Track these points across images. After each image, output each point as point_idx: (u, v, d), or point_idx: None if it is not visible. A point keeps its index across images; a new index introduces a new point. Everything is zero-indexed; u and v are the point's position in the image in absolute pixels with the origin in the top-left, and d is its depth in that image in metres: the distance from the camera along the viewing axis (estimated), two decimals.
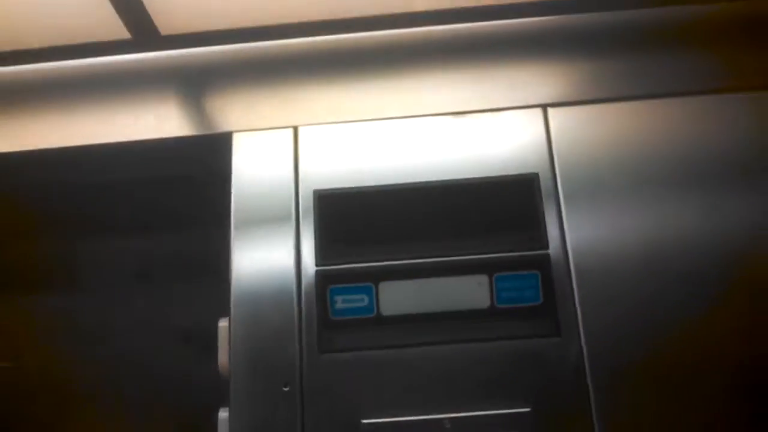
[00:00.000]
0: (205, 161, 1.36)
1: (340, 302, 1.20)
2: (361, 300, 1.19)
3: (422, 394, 1.14)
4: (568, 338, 1.15)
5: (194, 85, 1.39)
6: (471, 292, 1.19)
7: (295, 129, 1.32)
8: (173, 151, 1.38)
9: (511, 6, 1.32)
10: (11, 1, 1.19)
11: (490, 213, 1.24)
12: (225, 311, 1.22)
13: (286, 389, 1.15)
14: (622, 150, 1.26)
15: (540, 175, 1.25)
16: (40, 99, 1.38)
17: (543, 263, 1.19)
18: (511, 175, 1.25)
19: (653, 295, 1.17)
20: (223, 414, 1.17)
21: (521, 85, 1.32)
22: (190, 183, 1.45)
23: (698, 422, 1.11)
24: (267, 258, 1.23)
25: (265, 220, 1.25)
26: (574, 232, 1.21)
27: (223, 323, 1.22)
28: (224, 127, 1.33)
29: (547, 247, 1.20)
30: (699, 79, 1.30)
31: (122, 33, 1.31)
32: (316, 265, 1.21)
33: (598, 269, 1.19)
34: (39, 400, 1.64)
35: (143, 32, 1.32)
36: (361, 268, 1.21)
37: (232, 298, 1.21)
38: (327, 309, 1.19)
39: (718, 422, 1.11)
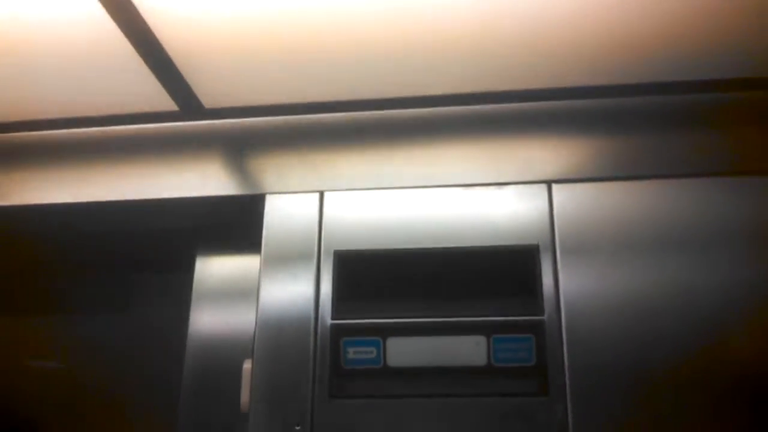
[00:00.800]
0: (240, 218, 1.52)
1: (352, 353, 1.33)
2: (371, 352, 1.32)
3: None
4: (555, 398, 1.26)
5: (234, 151, 1.56)
6: (470, 350, 1.31)
7: (321, 193, 1.46)
8: (213, 207, 1.55)
9: (520, 92, 1.46)
10: (79, 76, 1.39)
11: (492, 279, 1.36)
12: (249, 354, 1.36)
13: (297, 428, 1.28)
14: (620, 226, 1.36)
15: (540, 246, 1.36)
16: (98, 159, 1.57)
17: (538, 328, 1.31)
18: (514, 245, 1.37)
19: (640, 364, 1.27)
20: None
21: (529, 162, 1.44)
22: None
23: None
24: (289, 309, 1.37)
25: (289, 274, 1.39)
26: (568, 301, 1.32)
27: (246, 365, 1.36)
28: (259, 189, 1.49)
29: (542, 313, 1.31)
30: (694, 163, 1.40)
31: (171, 106, 1.50)
32: (332, 319, 1.35)
33: (589, 337, 1.29)
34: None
35: (189, 106, 1.50)
36: (372, 323, 1.34)
37: (256, 343, 1.35)
38: (339, 358, 1.32)
39: None
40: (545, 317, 1.31)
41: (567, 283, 1.33)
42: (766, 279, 1.29)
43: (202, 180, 1.52)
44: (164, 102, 1.47)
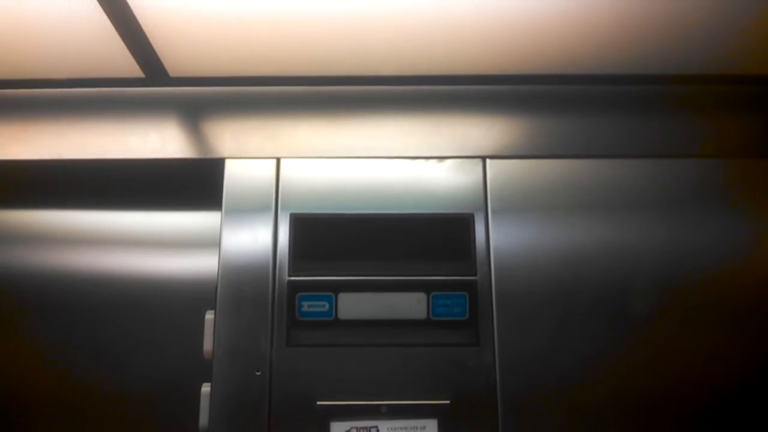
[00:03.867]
0: (200, 180, 1.62)
1: (306, 307, 1.47)
2: (323, 306, 1.48)
3: (366, 384, 1.43)
4: (485, 347, 1.45)
5: (195, 117, 1.64)
6: (412, 305, 1.48)
7: (278, 160, 1.58)
8: (174, 170, 1.65)
9: (461, 76, 1.61)
10: (53, 42, 1.45)
11: (432, 243, 1.52)
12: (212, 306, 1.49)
13: (258, 373, 1.43)
14: (546, 199, 1.55)
15: (475, 215, 1.53)
16: (65, 119, 1.63)
17: (471, 287, 1.49)
18: (452, 213, 1.54)
19: (559, 318, 1.48)
20: (206, 389, 1.44)
21: (466, 139, 1.60)
22: None
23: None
24: (249, 267, 1.49)
25: (248, 234, 1.51)
26: (498, 263, 1.50)
27: (209, 316, 1.49)
28: (218, 154, 1.59)
29: (475, 273, 1.50)
30: (611, 146, 1.60)
31: (138, 72, 1.57)
32: (288, 276, 1.49)
33: (515, 294, 1.49)
34: None
35: (155, 73, 1.58)
36: (325, 280, 1.49)
37: (218, 297, 1.48)
38: (295, 311, 1.47)
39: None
40: (478, 277, 1.50)
41: (497, 248, 1.52)
42: (666, 243, 1.52)
43: (163, 143, 1.60)
44: (133, 69, 1.54)
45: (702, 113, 1.63)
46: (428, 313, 1.48)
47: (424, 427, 1.40)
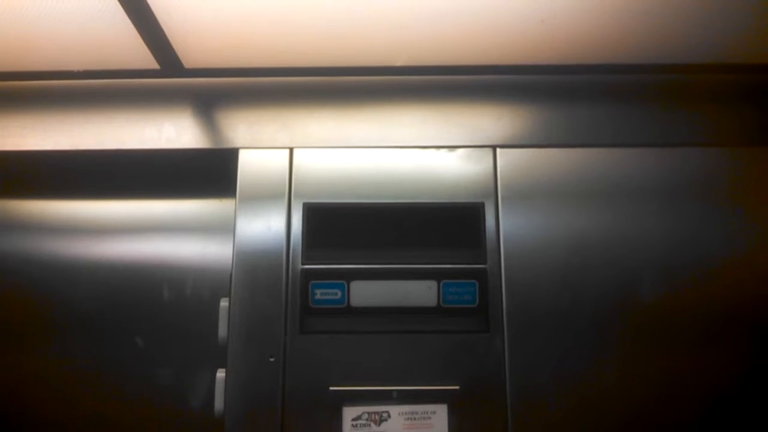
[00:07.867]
0: (215, 170, 1.65)
1: (319, 294, 1.50)
2: (336, 294, 1.50)
3: (378, 370, 1.46)
4: (494, 334, 1.48)
5: (209, 108, 1.67)
6: (422, 293, 1.50)
7: (291, 150, 1.60)
8: (189, 161, 1.67)
9: (471, 66, 1.63)
10: (70, 34, 1.47)
11: (443, 231, 1.54)
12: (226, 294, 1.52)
13: (272, 360, 1.46)
14: (555, 187, 1.57)
15: (485, 204, 1.56)
16: (81, 110, 1.66)
17: (481, 275, 1.51)
18: (462, 202, 1.56)
19: (568, 306, 1.50)
20: (220, 374, 1.48)
21: (477, 128, 1.62)
22: None
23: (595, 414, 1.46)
24: (263, 255, 1.52)
25: (262, 223, 1.54)
26: (508, 251, 1.52)
27: (224, 303, 1.52)
28: (232, 144, 1.62)
29: (485, 262, 1.52)
30: (617, 136, 1.61)
31: (153, 64, 1.59)
32: (302, 264, 1.51)
33: (524, 282, 1.51)
34: None
35: (170, 64, 1.60)
36: (338, 268, 1.51)
37: (233, 285, 1.51)
38: (308, 299, 1.50)
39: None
40: (487, 265, 1.52)
41: (507, 236, 1.54)
42: (670, 231, 1.54)
43: (177, 134, 1.63)
44: (148, 61, 1.56)
45: (711, 102, 1.63)
46: (439, 300, 1.50)
47: (434, 412, 1.43)
